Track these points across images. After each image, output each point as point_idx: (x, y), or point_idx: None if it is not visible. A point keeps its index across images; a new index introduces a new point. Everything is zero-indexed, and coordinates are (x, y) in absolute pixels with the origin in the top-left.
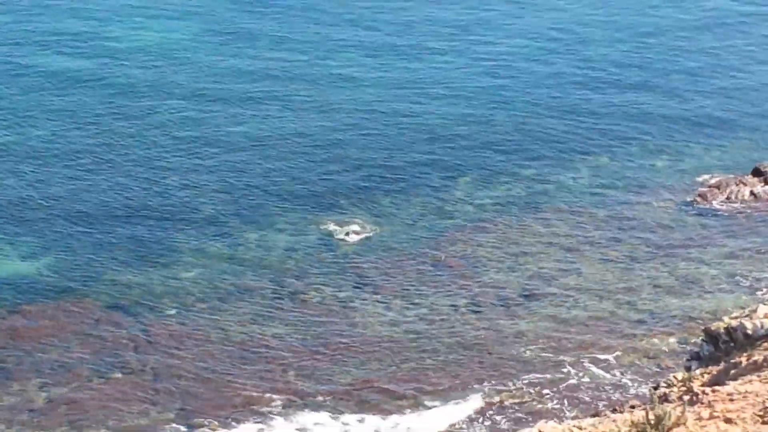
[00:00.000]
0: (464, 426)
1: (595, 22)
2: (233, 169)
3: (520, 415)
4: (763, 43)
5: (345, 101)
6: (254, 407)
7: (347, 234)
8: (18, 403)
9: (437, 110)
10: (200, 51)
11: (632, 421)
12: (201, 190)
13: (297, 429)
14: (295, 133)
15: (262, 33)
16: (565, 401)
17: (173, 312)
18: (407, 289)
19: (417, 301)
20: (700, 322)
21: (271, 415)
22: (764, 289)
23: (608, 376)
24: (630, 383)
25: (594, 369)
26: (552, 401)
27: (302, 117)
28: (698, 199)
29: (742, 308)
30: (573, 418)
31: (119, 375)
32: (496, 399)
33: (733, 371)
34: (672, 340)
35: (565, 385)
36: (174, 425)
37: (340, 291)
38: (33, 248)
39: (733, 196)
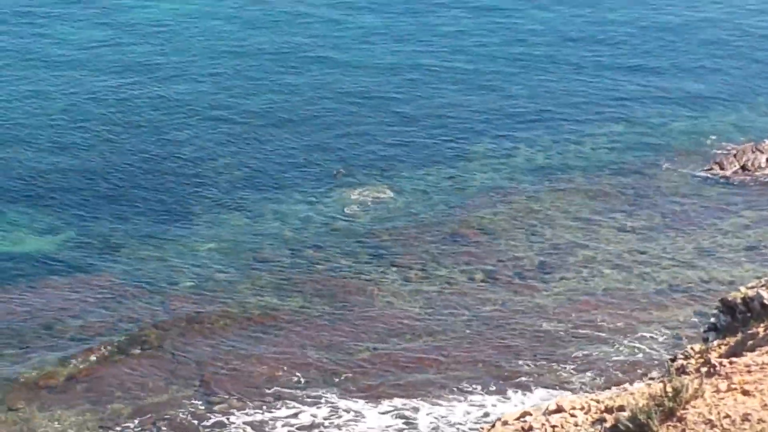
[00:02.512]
0: (483, 400)
1: None
2: (249, 141)
3: (538, 388)
4: None
5: (359, 71)
6: (273, 383)
7: (364, 205)
8: (37, 379)
9: (453, 78)
10: (215, 22)
11: (650, 394)
12: (217, 162)
13: (316, 406)
14: (312, 104)
15: (276, 3)
16: (583, 373)
17: (191, 284)
18: (424, 261)
19: (434, 272)
20: (717, 292)
21: (290, 392)
22: None
23: (626, 347)
24: (647, 355)
25: (612, 341)
26: (570, 374)
27: (318, 88)
28: (714, 167)
29: (759, 278)
30: (591, 391)
31: (138, 350)
32: (515, 373)
33: (750, 342)
34: (689, 311)
35: (582, 357)
36: (193, 401)
37: (357, 263)
38: (51, 224)
39: (749, 164)
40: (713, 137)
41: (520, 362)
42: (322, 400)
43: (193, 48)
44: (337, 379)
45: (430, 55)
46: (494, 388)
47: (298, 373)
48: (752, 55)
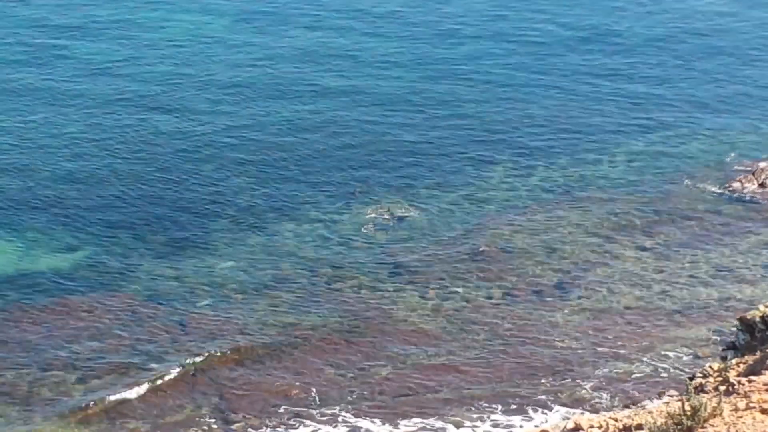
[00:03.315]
0: (507, 419)
1: (627, 7)
2: (267, 159)
3: (558, 406)
4: None
5: (378, 88)
6: (290, 401)
7: (382, 223)
8: (55, 396)
9: (471, 97)
10: (231, 44)
11: (668, 412)
12: (236, 180)
13: (333, 425)
14: (329, 122)
15: (293, 22)
16: (601, 392)
17: (209, 303)
18: (442, 278)
19: (452, 290)
20: (736, 310)
21: (307, 410)
22: None
23: (644, 366)
24: (666, 373)
25: (630, 359)
26: (588, 392)
27: (336, 105)
28: (733, 185)
29: None
30: (609, 409)
31: (156, 369)
32: (533, 392)
33: None
34: (708, 329)
35: (600, 375)
36: (210, 420)
37: (375, 280)
38: (68, 243)
39: None
40: (732, 155)
41: (540, 380)
42: (339, 419)
43: (210, 69)
44: (354, 398)
45: (447, 75)
46: (514, 407)
47: (315, 392)
48: None
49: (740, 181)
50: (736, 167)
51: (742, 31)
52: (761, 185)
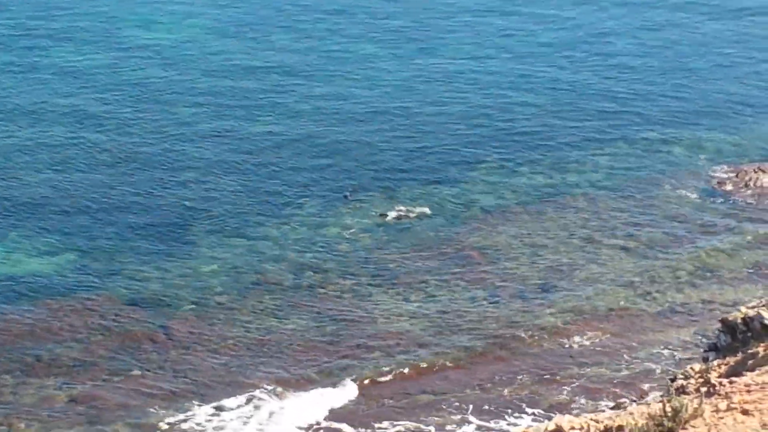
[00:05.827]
0: (484, 419)
1: (612, 12)
2: (251, 163)
3: (538, 409)
4: None
5: (363, 93)
6: (273, 404)
7: (366, 226)
8: (37, 401)
9: (456, 100)
10: (215, 46)
11: (649, 414)
12: (219, 184)
13: (316, 427)
14: (314, 126)
15: (277, 26)
16: (583, 394)
17: (192, 307)
18: (426, 281)
19: (436, 293)
20: (718, 312)
21: (289, 413)
22: None
23: (625, 367)
24: (647, 375)
25: (612, 360)
26: (569, 394)
27: (320, 109)
28: (716, 187)
29: (759, 298)
30: (590, 411)
31: (138, 371)
32: (515, 392)
33: (750, 362)
34: (690, 330)
35: (582, 377)
36: (193, 421)
37: (358, 284)
38: (51, 245)
39: (751, 184)
40: (714, 157)
41: (523, 382)
42: (322, 423)
43: (194, 71)
44: (338, 402)
45: (432, 82)
46: (495, 409)
47: (293, 395)
48: (752, 78)
49: (724, 182)
50: (717, 170)
51: (719, 40)
52: (745, 187)
